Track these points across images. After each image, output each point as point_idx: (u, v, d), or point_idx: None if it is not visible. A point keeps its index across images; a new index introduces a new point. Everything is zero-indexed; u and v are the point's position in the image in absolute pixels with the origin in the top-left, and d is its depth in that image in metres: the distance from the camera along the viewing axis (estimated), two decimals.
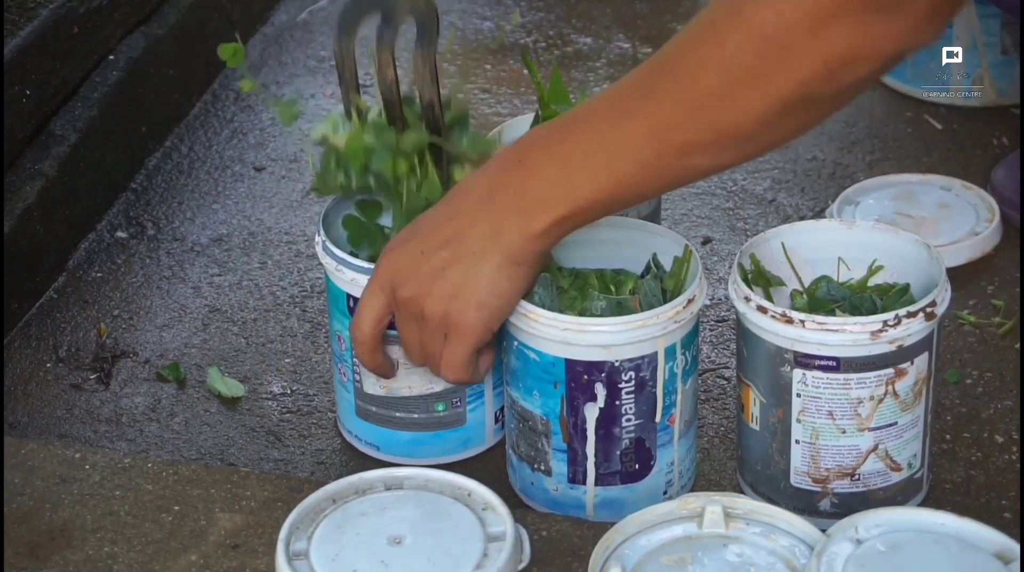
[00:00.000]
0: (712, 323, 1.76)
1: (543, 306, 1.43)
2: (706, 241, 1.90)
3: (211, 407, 1.67)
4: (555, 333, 1.40)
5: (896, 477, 1.45)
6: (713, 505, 1.33)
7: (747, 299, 1.43)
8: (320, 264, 1.87)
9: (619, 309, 1.44)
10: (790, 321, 1.40)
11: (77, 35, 1.95)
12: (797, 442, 1.44)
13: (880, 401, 1.41)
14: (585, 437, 1.44)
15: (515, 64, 2.25)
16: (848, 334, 1.39)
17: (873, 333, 1.39)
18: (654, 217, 1.62)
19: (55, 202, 1.84)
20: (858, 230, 1.52)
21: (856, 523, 1.29)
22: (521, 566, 1.33)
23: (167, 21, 2.12)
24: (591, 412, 1.43)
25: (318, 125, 1.52)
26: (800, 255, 1.51)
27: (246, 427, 1.65)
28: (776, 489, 1.47)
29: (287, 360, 1.73)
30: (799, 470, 1.45)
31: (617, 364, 1.41)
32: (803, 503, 1.45)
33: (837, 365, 1.40)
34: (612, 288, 1.48)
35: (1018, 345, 1.70)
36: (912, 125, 2.09)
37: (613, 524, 1.33)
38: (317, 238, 1.53)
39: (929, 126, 2.08)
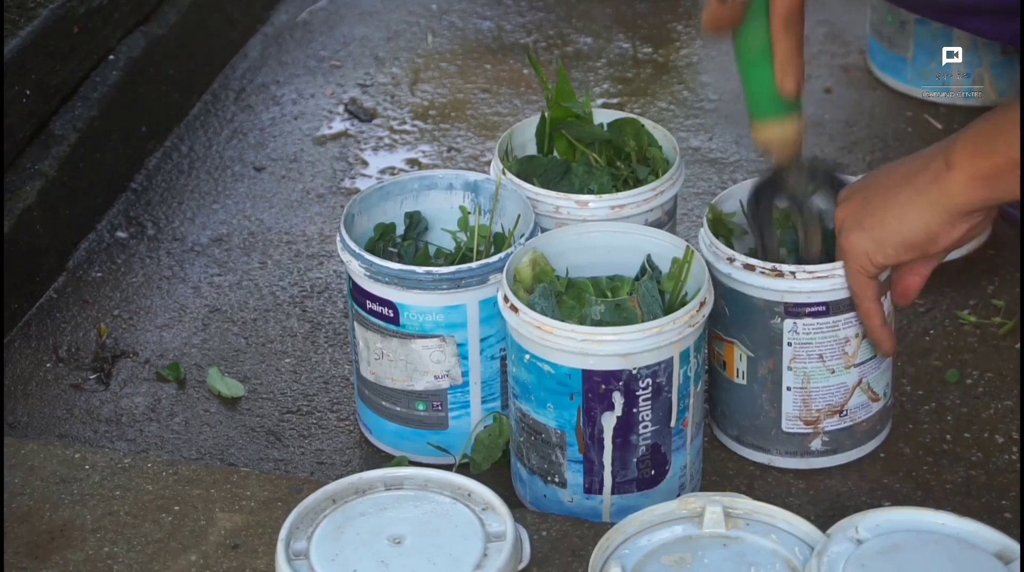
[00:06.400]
0: None
1: (546, 317, 1.42)
2: None
3: (211, 407, 1.67)
4: (572, 345, 1.39)
5: (875, 407, 1.52)
6: (713, 505, 1.33)
7: (731, 259, 1.46)
8: (320, 264, 1.87)
9: (619, 311, 1.44)
10: (780, 274, 1.44)
11: (77, 35, 1.95)
12: (788, 389, 1.48)
13: (863, 337, 1.47)
14: (602, 447, 1.43)
15: (515, 64, 2.25)
16: (837, 278, 1.44)
17: None
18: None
19: (55, 202, 1.84)
20: None
21: (856, 523, 1.29)
22: (521, 566, 1.33)
23: (167, 21, 2.12)
24: (608, 421, 1.42)
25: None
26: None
27: (246, 427, 1.65)
28: (767, 437, 1.51)
29: (287, 360, 1.73)
30: (791, 416, 1.50)
31: (635, 371, 1.40)
32: (795, 446, 1.51)
33: (827, 309, 1.45)
34: (608, 294, 1.48)
35: (1018, 345, 1.70)
36: (912, 125, 2.09)
37: (613, 524, 1.33)
38: (338, 237, 1.52)
39: (929, 126, 2.08)
